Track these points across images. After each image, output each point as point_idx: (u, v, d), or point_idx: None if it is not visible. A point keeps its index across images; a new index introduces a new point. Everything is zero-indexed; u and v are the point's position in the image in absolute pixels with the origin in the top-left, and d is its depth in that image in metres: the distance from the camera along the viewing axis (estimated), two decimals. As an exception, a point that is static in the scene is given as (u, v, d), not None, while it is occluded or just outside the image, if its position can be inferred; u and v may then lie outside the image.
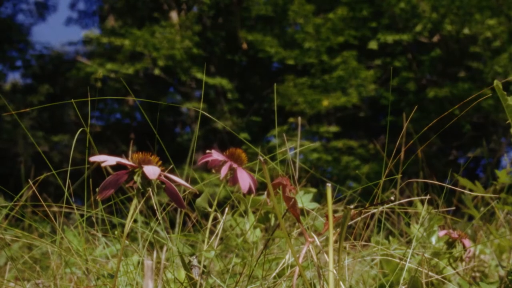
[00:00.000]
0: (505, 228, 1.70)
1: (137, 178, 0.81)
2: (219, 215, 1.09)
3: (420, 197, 1.10)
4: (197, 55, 9.35)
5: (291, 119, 8.72)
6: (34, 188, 1.04)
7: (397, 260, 1.12)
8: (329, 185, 0.76)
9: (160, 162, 0.82)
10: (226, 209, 1.09)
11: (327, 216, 0.76)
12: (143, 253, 1.12)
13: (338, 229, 0.77)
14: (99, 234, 1.24)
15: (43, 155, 1.11)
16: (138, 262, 1.09)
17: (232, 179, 1.01)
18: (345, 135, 9.97)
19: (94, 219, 1.16)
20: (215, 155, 0.98)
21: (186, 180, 0.98)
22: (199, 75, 9.15)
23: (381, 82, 9.39)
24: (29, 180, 1.07)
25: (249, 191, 0.97)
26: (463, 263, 1.17)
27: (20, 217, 1.19)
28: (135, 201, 0.81)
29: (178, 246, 0.99)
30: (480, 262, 1.42)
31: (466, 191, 0.98)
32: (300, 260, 0.76)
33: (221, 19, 10.94)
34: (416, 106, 1.66)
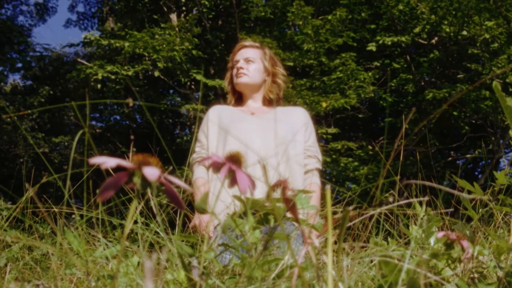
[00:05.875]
0: (503, 229, 1.71)
1: (136, 180, 0.81)
2: (218, 216, 1.10)
3: (418, 199, 1.11)
4: (197, 57, 9.36)
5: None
6: (32, 193, 1.05)
7: (396, 261, 1.12)
8: (328, 186, 0.77)
9: (159, 164, 0.82)
10: (226, 210, 1.09)
11: (326, 217, 0.77)
12: (143, 254, 1.13)
13: (337, 230, 0.78)
14: (99, 235, 1.25)
15: (43, 157, 1.12)
16: (138, 263, 1.09)
17: (231, 180, 1.01)
18: (344, 136, 9.98)
19: (94, 220, 1.16)
20: (214, 157, 0.99)
21: (186, 181, 0.99)
22: (198, 77, 9.15)
23: (380, 84, 9.40)
24: (29, 182, 1.08)
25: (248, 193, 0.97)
26: (462, 264, 1.18)
27: (21, 217, 1.19)
28: (135, 202, 0.81)
29: (177, 247, 0.99)
30: (478, 263, 1.43)
31: (465, 194, 0.99)
32: (299, 261, 0.76)
33: (221, 21, 10.96)
34: (414, 108, 1.67)
